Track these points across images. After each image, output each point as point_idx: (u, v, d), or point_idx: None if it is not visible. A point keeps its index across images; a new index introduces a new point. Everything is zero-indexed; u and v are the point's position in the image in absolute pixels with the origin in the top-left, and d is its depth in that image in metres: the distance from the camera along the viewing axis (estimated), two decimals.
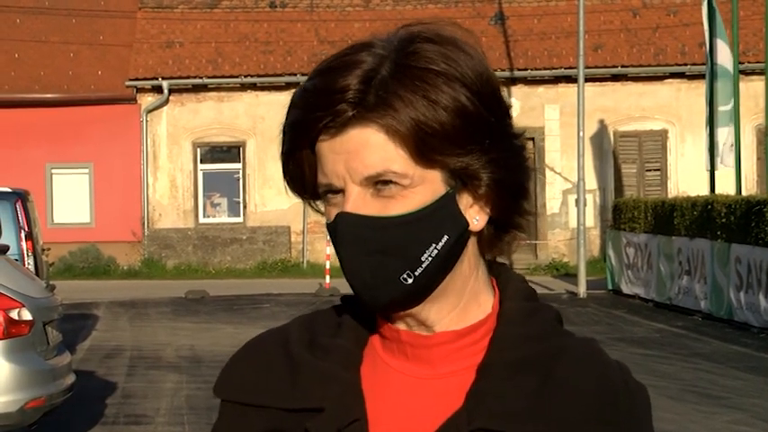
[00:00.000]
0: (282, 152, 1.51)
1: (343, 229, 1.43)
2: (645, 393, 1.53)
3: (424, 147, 1.41)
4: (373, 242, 1.42)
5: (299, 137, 1.47)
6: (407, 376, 1.50)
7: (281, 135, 1.50)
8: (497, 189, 1.45)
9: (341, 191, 1.44)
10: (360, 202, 1.42)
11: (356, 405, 1.48)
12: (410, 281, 1.43)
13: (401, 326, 1.50)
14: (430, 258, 1.43)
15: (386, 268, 1.43)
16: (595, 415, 1.45)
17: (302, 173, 1.49)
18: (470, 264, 1.50)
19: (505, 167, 1.45)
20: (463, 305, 1.49)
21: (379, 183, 1.42)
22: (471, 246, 1.49)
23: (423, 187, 1.43)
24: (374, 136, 1.42)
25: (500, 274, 1.55)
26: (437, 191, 1.43)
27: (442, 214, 1.44)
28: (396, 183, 1.42)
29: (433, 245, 1.43)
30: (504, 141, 1.46)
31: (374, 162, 1.42)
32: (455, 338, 1.49)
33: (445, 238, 1.44)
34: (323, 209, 1.50)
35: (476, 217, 1.47)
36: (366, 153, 1.42)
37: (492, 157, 1.44)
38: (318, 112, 1.43)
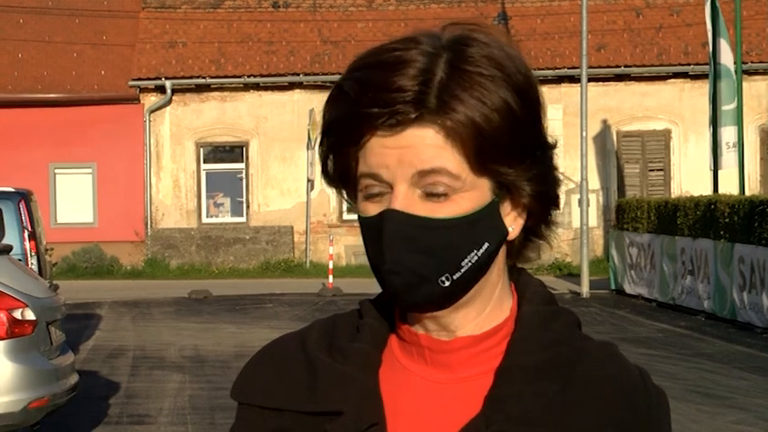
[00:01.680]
0: (324, 142, 1.49)
1: (390, 226, 1.42)
2: (664, 398, 1.54)
3: (480, 153, 1.42)
4: (418, 242, 1.42)
5: (350, 131, 1.44)
6: (426, 380, 1.50)
7: (326, 127, 1.47)
8: (536, 201, 1.47)
9: (384, 184, 1.43)
10: (408, 201, 1.42)
11: (375, 409, 1.48)
12: (447, 284, 1.44)
13: (420, 330, 1.50)
14: (470, 264, 1.44)
15: (427, 269, 1.43)
16: (614, 419, 1.45)
17: (346, 164, 1.47)
18: (499, 271, 1.50)
19: (547, 182, 1.48)
20: (488, 312, 1.50)
21: (429, 185, 1.41)
22: (502, 254, 1.50)
23: (472, 193, 1.43)
24: (433, 136, 1.41)
25: (519, 278, 1.55)
26: (484, 198, 1.44)
27: (486, 222, 1.45)
28: (446, 185, 1.41)
29: (475, 251, 1.44)
30: (546, 154, 1.49)
31: (430, 157, 1.41)
32: (474, 343, 1.49)
33: (486, 245, 1.45)
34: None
35: (512, 225, 1.48)
36: (423, 148, 1.41)
37: (539, 171, 1.46)
38: (375, 108, 1.41)
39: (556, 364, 1.47)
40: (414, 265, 1.42)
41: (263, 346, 1.59)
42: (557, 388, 1.45)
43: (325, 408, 1.47)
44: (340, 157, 1.47)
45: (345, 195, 1.51)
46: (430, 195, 1.42)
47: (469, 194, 1.43)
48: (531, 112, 1.45)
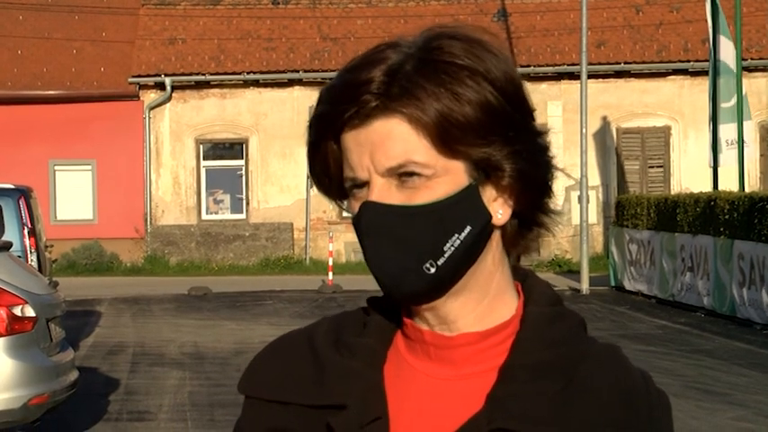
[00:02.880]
0: (308, 146, 1.52)
1: (368, 218, 1.45)
2: (666, 400, 1.55)
3: (446, 137, 1.43)
4: (397, 231, 1.44)
5: (323, 129, 1.48)
6: (430, 377, 1.51)
7: (307, 131, 1.52)
8: (520, 182, 1.47)
9: (366, 184, 1.45)
10: (384, 192, 1.44)
11: (378, 403, 1.49)
12: (433, 270, 1.44)
13: (424, 326, 1.51)
14: (452, 248, 1.45)
15: (409, 257, 1.44)
16: (615, 420, 1.46)
17: (327, 167, 1.50)
18: (494, 259, 1.50)
19: (528, 160, 1.46)
20: (488, 302, 1.50)
21: (403, 175, 1.44)
22: (495, 241, 1.50)
23: (446, 178, 1.44)
24: (398, 126, 1.43)
25: (525, 279, 1.56)
26: (461, 182, 1.45)
27: (465, 205, 1.45)
28: (419, 174, 1.43)
29: (456, 235, 1.45)
30: (527, 135, 1.48)
31: (397, 153, 1.43)
32: (478, 340, 1.50)
33: (468, 228, 1.45)
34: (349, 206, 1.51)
35: (499, 210, 1.48)
36: (389, 144, 1.44)
37: (515, 148, 1.45)
38: (343, 104, 1.45)
39: (559, 364, 1.47)
40: (395, 255, 1.44)
41: (272, 341, 1.61)
42: (559, 387, 1.45)
43: (329, 401, 1.49)
44: (319, 159, 1.51)
45: (329, 199, 1.54)
46: (405, 185, 1.44)
47: (444, 179, 1.44)
48: (506, 97, 1.45)
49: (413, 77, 1.43)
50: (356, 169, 1.45)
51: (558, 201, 1.54)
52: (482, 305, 1.50)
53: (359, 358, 1.51)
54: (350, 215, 1.51)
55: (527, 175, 1.47)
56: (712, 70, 20.77)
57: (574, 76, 27.06)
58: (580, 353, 1.49)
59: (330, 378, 1.50)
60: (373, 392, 1.49)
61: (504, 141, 1.44)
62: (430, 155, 1.43)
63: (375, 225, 1.44)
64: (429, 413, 1.49)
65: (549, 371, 1.46)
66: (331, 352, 1.52)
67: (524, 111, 1.48)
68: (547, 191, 1.51)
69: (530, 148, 1.47)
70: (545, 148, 1.50)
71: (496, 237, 1.50)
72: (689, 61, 28.98)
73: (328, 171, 1.51)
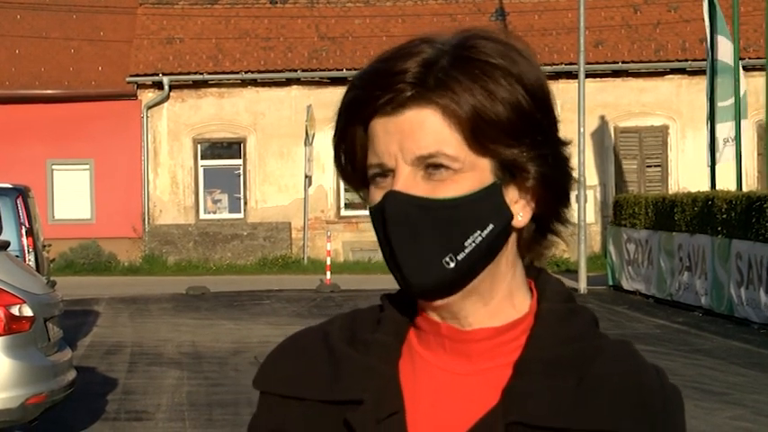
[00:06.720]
0: (336, 131, 1.52)
1: (391, 208, 1.45)
2: (679, 395, 1.56)
3: (478, 133, 1.44)
4: (420, 223, 1.45)
5: (354, 115, 1.49)
6: (445, 371, 1.52)
7: (336, 116, 1.52)
8: (543, 186, 1.49)
9: (390, 172, 1.46)
10: (410, 181, 1.45)
11: (395, 398, 1.50)
12: (452, 265, 1.45)
13: (437, 319, 1.52)
14: (473, 244, 1.46)
15: (430, 250, 1.45)
16: (629, 415, 1.47)
17: (354, 155, 1.51)
18: (507, 262, 1.52)
19: (552, 166, 1.49)
20: (496, 304, 1.51)
21: (430, 166, 1.44)
22: (511, 244, 1.51)
23: (472, 174, 1.45)
24: (431, 117, 1.45)
25: (538, 276, 1.57)
26: (485, 180, 1.46)
27: (489, 203, 1.47)
28: (446, 167, 1.44)
29: (479, 231, 1.46)
30: (553, 142, 1.50)
31: (428, 143, 1.44)
32: (494, 335, 1.51)
33: (490, 226, 1.47)
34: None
35: (520, 212, 1.50)
36: (421, 133, 1.45)
37: (541, 152, 1.47)
38: (376, 90, 1.46)
39: (574, 360, 1.49)
40: (416, 247, 1.45)
41: (286, 338, 1.63)
42: (573, 383, 1.47)
43: (345, 396, 1.50)
44: (347, 144, 1.52)
45: (352, 188, 1.54)
46: (431, 176, 1.45)
47: (470, 175, 1.45)
48: (536, 102, 1.48)
49: (449, 71, 1.44)
50: (382, 156, 1.46)
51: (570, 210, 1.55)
52: (491, 305, 1.51)
53: (374, 354, 1.52)
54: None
55: (550, 180, 1.49)
56: (710, 70, 20.78)
57: (571, 75, 27.05)
58: (594, 348, 1.51)
59: (346, 374, 1.51)
60: (389, 388, 1.50)
61: (532, 144, 1.46)
62: (460, 149, 1.44)
63: (398, 214, 1.45)
64: (445, 407, 1.50)
65: (563, 366, 1.48)
66: (346, 349, 1.54)
67: (551, 118, 1.51)
68: (565, 199, 1.53)
69: (555, 154, 1.50)
70: (567, 158, 1.53)
71: (512, 240, 1.52)
72: (687, 60, 29.00)
73: (354, 159, 1.51)
